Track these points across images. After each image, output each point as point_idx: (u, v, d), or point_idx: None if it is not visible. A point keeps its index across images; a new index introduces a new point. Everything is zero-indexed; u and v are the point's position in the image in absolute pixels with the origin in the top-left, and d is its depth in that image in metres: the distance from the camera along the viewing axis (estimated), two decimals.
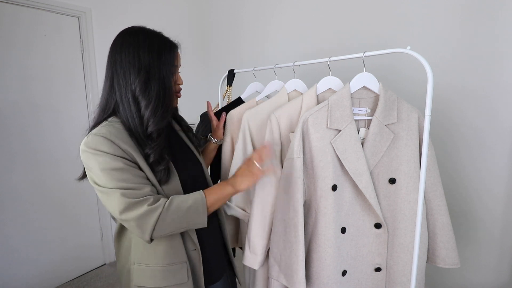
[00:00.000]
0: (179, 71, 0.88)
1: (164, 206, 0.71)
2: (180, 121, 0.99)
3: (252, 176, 0.82)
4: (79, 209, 2.17)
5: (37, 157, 1.96)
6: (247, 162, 0.85)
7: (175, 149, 0.90)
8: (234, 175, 0.84)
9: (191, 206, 0.74)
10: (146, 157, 0.76)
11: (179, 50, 0.86)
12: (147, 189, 0.72)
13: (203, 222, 0.76)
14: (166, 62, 0.79)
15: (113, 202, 0.70)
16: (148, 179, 0.76)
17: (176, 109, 0.97)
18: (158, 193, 0.76)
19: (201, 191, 0.78)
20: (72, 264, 2.17)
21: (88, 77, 2.14)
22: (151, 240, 0.73)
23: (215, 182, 1.24)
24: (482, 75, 1.36)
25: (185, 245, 0.84)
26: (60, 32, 1.99)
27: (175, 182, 0.81)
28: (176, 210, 0.72)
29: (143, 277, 0.82)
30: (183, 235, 0.84)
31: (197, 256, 0.86)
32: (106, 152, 0.70)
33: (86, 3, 2.08)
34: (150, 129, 0.76)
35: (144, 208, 0.69)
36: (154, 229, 0.70)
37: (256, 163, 0.82)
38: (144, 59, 0.75)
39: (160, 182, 0.77)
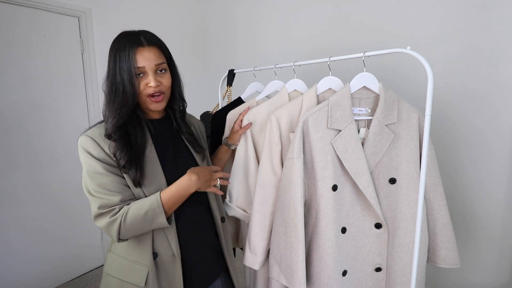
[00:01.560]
0: (159, 70, 0.82)
1: (122, 216, 0.75)
2: (181, 126, 0.95)
3: (208, 187, 0.85)
4: (79, 209, 2.17)
5: (37, 157, 1.96)
6: (211, 172, 0.87)
7: (170, 153, 0.89)
8: (200, 174, 0.83)
9: (148, 211, 0.76)
10: (114, 156, 0.78)
11: (149, 48, 0.80)
12: (117, 198, 0.77)
13: (163, 223, 0.78)
14: (121, 66, 0.77)
15: (92, 208, 0.78)
16: (127, 185, 0.79)
17: (181, 116, 0.95)
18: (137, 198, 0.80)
19: (159, 193, 0.79)
20: (72, 264, 2.17)
21: (88, 77, 2.14)
22: (122, 240, 0.79)
23: None
24: (482, 75, 1.36)
25: (161, 250, 0.83)
26: (60, 32, 1.99)
27: (158, 184, 0.82)
28: (133, 218, 0.76)
29: (112, 266, 0.86)
30: (160, 239, 0.83)
31: (176, 263, 0.85)
32: (91, 154, 0.77)
33: (86, 3, 2.08)
34: (108, 129, 0.79)
35: (106, 219, 0.75)
36: (119, 234, 0.76)
37: (218, 180, 0.88)
38: (108, 63, 0.80)
39: (135, 184, 0.79)
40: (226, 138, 1.16)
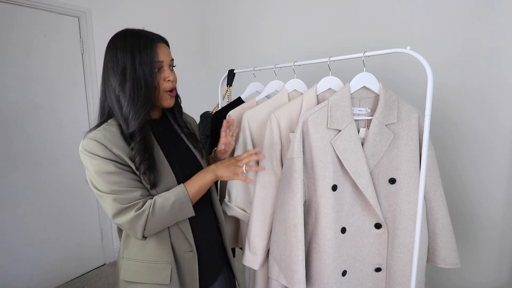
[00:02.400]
0: (172, 66, 0.84)
1: (149, 209, 0.75)
2: (182, 127, 0.95)
3: (233, 174, 0.84)
4: (79, 209, 2.17)
5: (37, 157, 1.96)
6: (236, 158, 0.88)
7: (174, 152, 0.89)
8: (218, 163, 0.86)
9: (175, 202, 0.77)
10: (132, 160, 0.77)
11: (164, 44, 0.82)
12: (137, 193, 0.75)
13: (190, 212, 0.80)
14: (142, 61, 0.76)
15: (107, 206, 0.75)
16: (141, 181, 0.78)
17: (179, 111, 0.95)
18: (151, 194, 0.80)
19: (182, 184, 0.81)
20: (72, 264, 2.17)
21: (88, 77, 2.14)
22: (145, 237, 0.77)
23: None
24: (482, 75, 1.36)
25: (178, 246, 0.84)
26: (60, 32, 1.99)
27: (169, 184, 0.82)
28: (161, 209, 0.75)
29: (129, 272, 0.85)
30: (176, 236, 0.84)
31: (193, 258, 0.86)
32: (99, 156, 0.74)
33: (86, 3, 2.08)
34: (130, 128, 0.77)
35: (132, 213, 0.73)
36: (144, 229, 0.75)
37: (244, 167, 0.84)
38: (121, 60, 0.76)
39: (151, 187, 0.78)
40: (215, 150, 1.08)
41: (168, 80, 0.82)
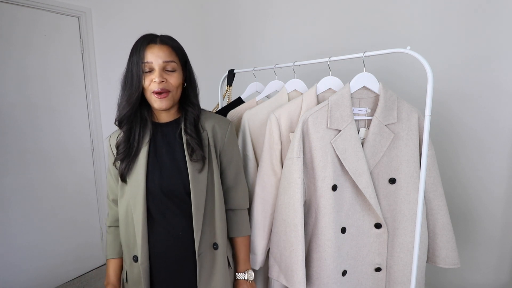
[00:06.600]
0: (166, 69, 0.81)
1: (106, 228, 0.99)
2: (187, 127, 0.87)
3: None
4: (79, 209, 2.17)
5: (37, 158, 1.96)
6: None
7: (164, 158, 0.86)
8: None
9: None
10: (116, 147, 0.89)
11: (159, 46, 0.80)
12: (110, 197, 0.97)
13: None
14: (133, 62, 0.81)
15: None
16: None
17: (193, 114, 0.89)
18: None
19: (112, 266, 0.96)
20: (72, 264, 2.17)
21: (88, 77, 2.14)
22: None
23: None
24: (481, 75, 1.36)
25: (132, 253, 0.88)
26: (60, 32, 1.99)
27: (137, 184, 0.84)
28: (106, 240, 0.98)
29: None
30: (131, 243, 0.88)
31: (140, 268, 0.85)
32: (108, 148, 0.94)
33: (86, 3, 2.08)
34: (119, 116, 0.85)
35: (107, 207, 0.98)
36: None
37: None
38: (128, 59, 0.85)
39: (121, 178, 0.87)
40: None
41: (154, 81, 0.79)
